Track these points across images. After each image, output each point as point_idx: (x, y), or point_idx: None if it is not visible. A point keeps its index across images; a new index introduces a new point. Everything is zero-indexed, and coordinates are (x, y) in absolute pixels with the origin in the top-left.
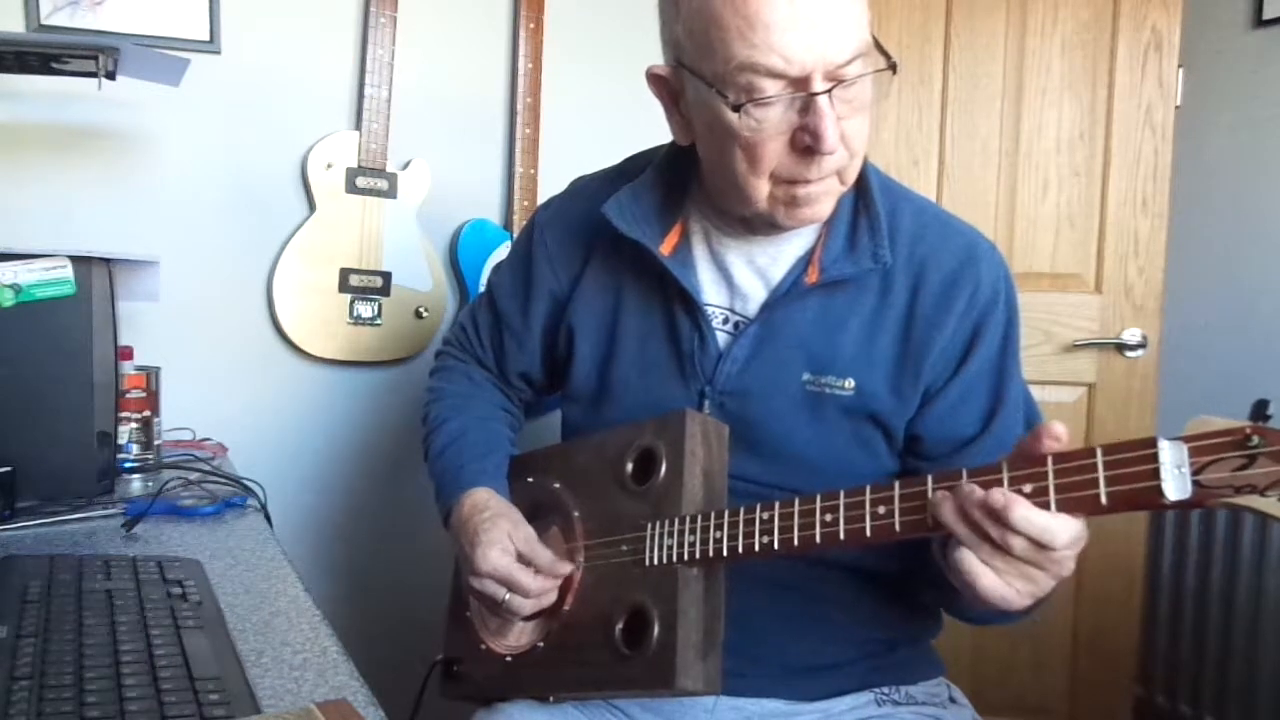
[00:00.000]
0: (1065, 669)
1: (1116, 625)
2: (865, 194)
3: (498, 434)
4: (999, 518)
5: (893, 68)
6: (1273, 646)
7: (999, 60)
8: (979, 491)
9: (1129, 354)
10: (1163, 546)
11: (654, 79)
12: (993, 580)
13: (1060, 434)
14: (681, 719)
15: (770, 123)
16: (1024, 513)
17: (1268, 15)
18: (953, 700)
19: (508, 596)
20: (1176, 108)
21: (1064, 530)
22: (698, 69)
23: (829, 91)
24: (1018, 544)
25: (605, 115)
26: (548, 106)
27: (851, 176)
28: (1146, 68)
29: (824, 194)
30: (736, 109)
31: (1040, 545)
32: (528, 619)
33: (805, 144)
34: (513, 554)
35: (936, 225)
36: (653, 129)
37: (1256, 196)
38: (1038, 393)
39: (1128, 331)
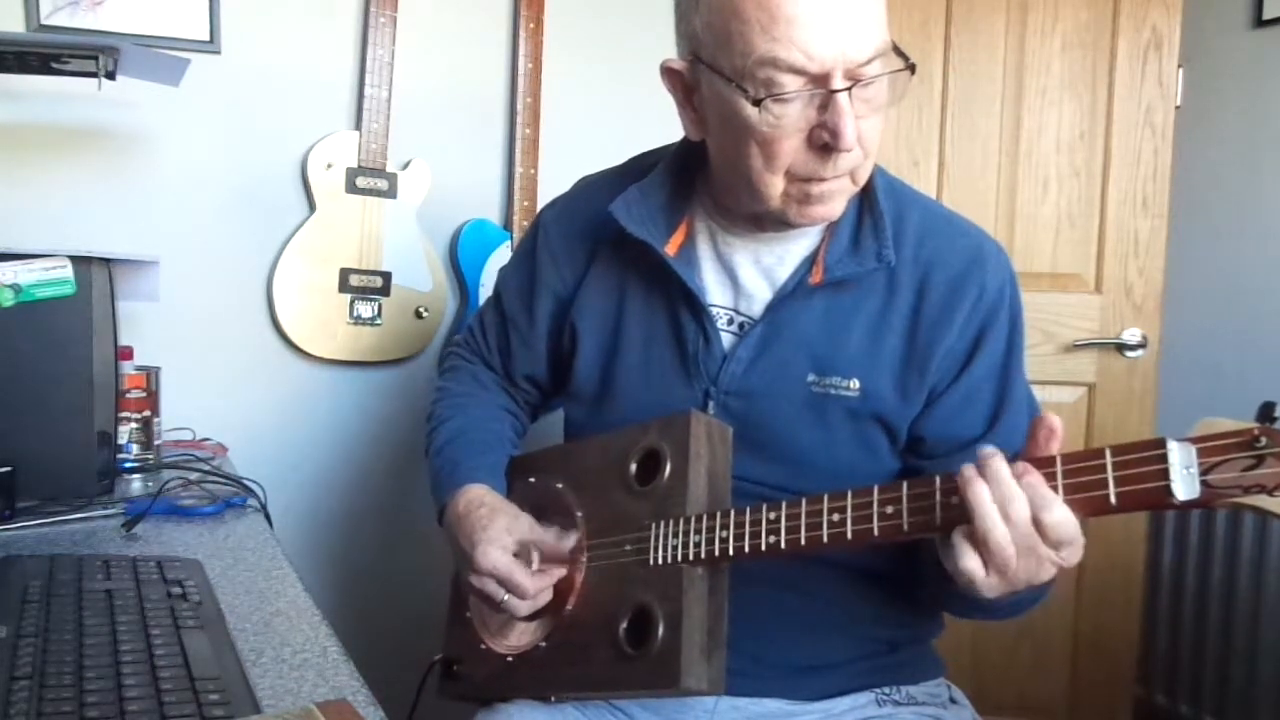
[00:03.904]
0: (1065, 669)
1: (1116, 625)
2: (870, 195)
3: (498, 434)
4: (1015, 474)
5: (911, 69)
6: (1273, 646)
7: (999, 60)
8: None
9: (1129, 354)
10: (1163, 546)
11: (668, 73)
12: (973, 562)
13: (1054, 424)
14: (682, 719)
15: (789, 119)
16: (1034, 480)
17: (1268, 15)
18: (953, 700)
19: (506, 597)
20: (1176, 108)
21: (1062, 513)
22: (715, 63)
23: (849, 89)
24: (1018, 506)
25: (605, 115)
26: (548, 106)
27: (863, 176)
28: (1146, 68)
29: (837, 192)
30: (756, 104)
31: (1037, 516)
32: (529, 619)
33: (823, 141)
34: (512, 552)
35: (943, 226)
36: (653, 128)
37: (1256, 196)
38: (1038, 393)
39: (1128, 331)
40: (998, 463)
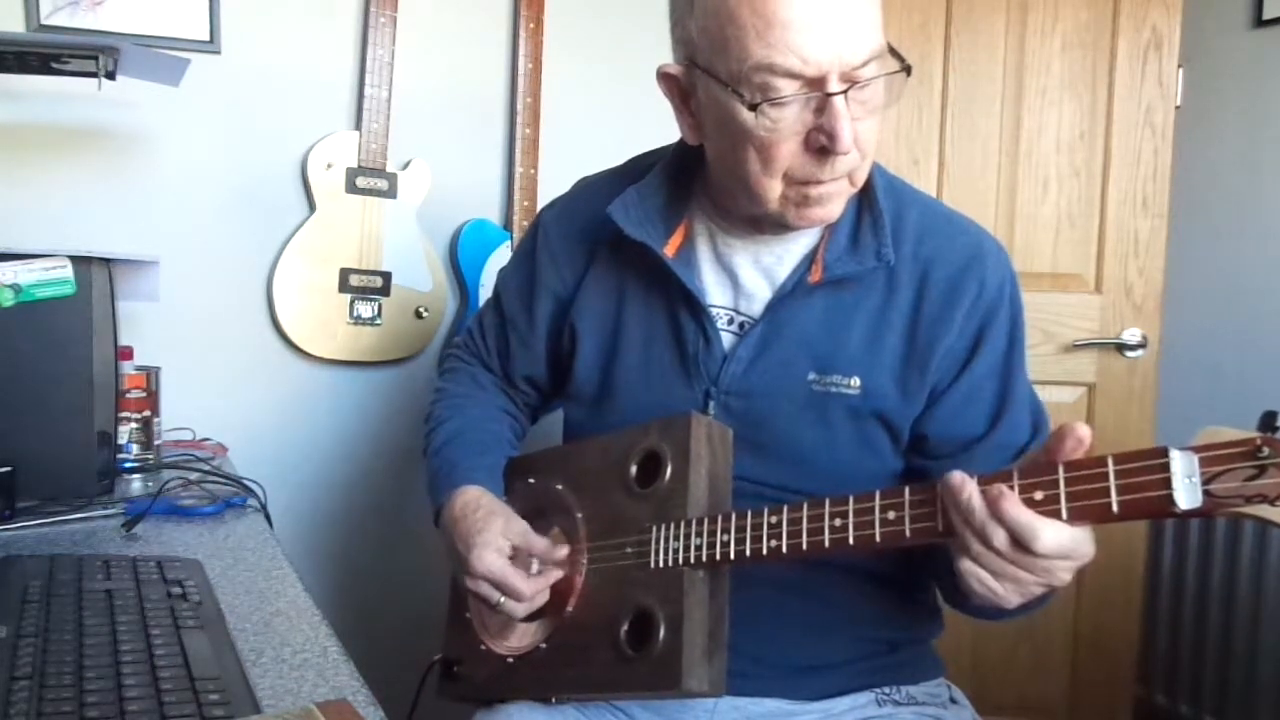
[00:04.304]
0: (1065, 669)
1: (1116, 625)
2: (869, 193)
3: (496, 434)
4: (991, 507)
5: (907, 70)
6: (1273, 647)
7: (999, 60)
8: (975, 481)
9: (1129, 354)
10: (1163, 547)
11: (664, 78)
12: (984, 578)
13: (1085, 436)
14: (683, 718)
15: (785, 123)
16: (1009, 506)
17: (1268, 15)
18: (953, 701)
19: (502, 600)
20: (1176, 108)
21: (1048, 534)
22: (711, 68)
23: (845, 92)
24: (998, 536)
25: (605, 115)
26: (548, 106)
27: (861, 178)
28: (1146, 68)
29: (835, 194)
30: (752, 109)
31: (1019, 542)
32: (528, 620)
33: (820, 144)
34: (507, 555)
35: (942, 224)
36: (653, 128)
37: (1256, 196)
38: (1038, 393)
39: (1128, 331)
40: (967, 495)
